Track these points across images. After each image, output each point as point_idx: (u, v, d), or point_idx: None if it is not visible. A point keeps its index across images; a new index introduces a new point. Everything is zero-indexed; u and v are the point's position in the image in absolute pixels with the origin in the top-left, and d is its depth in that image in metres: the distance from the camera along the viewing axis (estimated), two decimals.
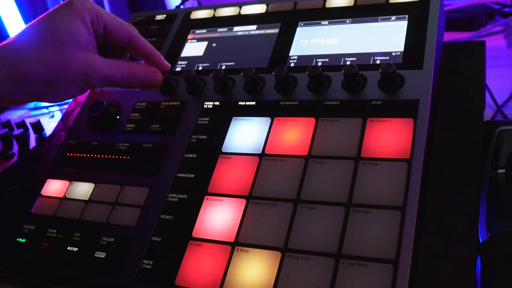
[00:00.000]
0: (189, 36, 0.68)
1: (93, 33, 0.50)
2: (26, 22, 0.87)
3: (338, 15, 0.60)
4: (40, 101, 0.51)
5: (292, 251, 0.44)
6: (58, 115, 1.03)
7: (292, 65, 0.58)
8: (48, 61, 0.47)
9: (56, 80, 0.48)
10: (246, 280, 0.44)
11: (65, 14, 0.48)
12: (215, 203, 0.50)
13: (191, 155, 0.55)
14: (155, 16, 0.72)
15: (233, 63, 0.62)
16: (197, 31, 0.68)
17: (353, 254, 0.42)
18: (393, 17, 0.57)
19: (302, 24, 0.61)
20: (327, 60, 0.57)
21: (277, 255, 0.44)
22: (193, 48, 0.66)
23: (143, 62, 0.56)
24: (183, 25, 0.69)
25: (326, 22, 0.60)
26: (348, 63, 0.55)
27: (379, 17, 0.58)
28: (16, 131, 0.73)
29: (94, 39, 0.50)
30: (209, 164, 0.53)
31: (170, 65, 0.57)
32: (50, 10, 0.49)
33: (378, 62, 0.54)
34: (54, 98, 0.49)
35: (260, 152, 0.52)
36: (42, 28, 0.47)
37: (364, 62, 0.55)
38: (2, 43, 0.47)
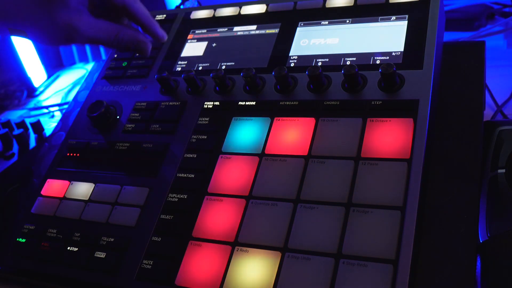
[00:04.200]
0: (189, 36, 0.68)
1: None
2: None
3: (338, 15, 0.60)
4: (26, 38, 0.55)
5: (292, 251, 0.44)
6: (58, 115, 1.03)
7: (292, 65, 0.58)
8: (34, 14, 0.50)
9: (40, 32, 0.51)
10: (246, 280, 0.44)
11: None
12: (215, 203, 0.50)
13: (191, 155, 0.55)
14: (155, 16, 0.72)
15: (233, 63, 0.62)
16: (197, 31, 0.68)
17: (353, 254, 0.42)
18: (393, 17, 0.57)
19: (302, 24, 0.61)
20: (327, 60, 0.57)
21: (277, 255, 0.44)
22: (193, 48, 0.66)
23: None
24: (183, 25, 0.69)
25: (326, 22, 0.60)
26: (348, 63, 0.55)
27: (379, 17, 0.58)
28: (16, 131, 0.73)
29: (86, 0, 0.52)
30: (209, 164, 0.53)
31: (165, 35, 0.58)
32: None
33: (378, 62, 0.54)
34: (39, 42, 0.54)
35: (260, 152, 0.52)
36: None
37: (364, 62, 0.55)
38: None
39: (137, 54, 0.65)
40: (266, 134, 0.53)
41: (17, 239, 0.57)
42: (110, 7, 0.54)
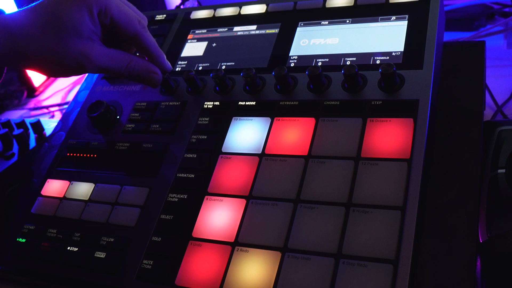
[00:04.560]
0: (189, 36, 0.68)
1: (99, 23, 0.51)
2: None
3: (338, 15, 0.60)
4: (33, 71, 0.53)
5: (292, 251, 0.44)
6: (58, 115, 1.03)
7: (292, 65, 0.58)
8: (46, 44, 0.49)
9: (51, 62, 0.50)
10: (246, 280, 0.44)
11: (73, 2, 0.49)
12: (215, 203, 0.50)
13: (191, 155, 0.55)
14: (155, 16, 0.72)
15: (233, 63, 0.62)
16: (197, 31, 0.68)
17: (353, 254, 0.42)
18: (393, 17, 0.57)
19: (302, 24, 0.61)
20: (327, 60, 0.57)
21: (277, 255, 0.44)
22: (193, 48, 0.66)
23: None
24: (183, 25, 0.69)
25: (326, 22, 0.60)
26: (348, 63, 0.55)
27: (379, 17, 0.58)
28: (16, 131, 0.73)
29: (99, 29, 0.52)
30: (209, 164, 0.53)
31: (171, 67, 0.58)
32: None
33: (378, 62, 0.54)
34: (47, 74, 0.53)
35: (260, 152, 0.52)
36: (48, 11, 0.49)
37: (364, 62, 0.55)
38: (11, 14, 0.50)
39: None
40: (266, 134, 0.53)
41: (17, 239, 0.57)
42: (122, 36, 0.54)
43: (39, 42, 0.49)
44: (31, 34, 0.49)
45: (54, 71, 0.52)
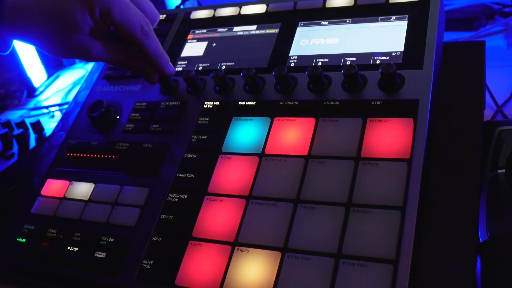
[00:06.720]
0: (189, 36, 0.68)
1: (101, 21, 0.52)
2: None
3: (338, 15, 0.60)
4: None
5: (292, 251, 0.44)
6: (58, 115, 1.03)
7: (292, 65, 0.58)
8: (49, 38, 0.52)
9: (52, 48, 0.53)
10: (246, 280, 0.44)
11: (76, 2, 0.50)
12: (215, 203, 0.50)
13: (191, 155, 0.55)
14: None
15: (233, 63, 0.62)
16: (197, 31, 0.68)
17: (353, 254, 0.42)
18: (393, 17, 0.57)
19: (302, 24, 0.61)
20: (327, 60, 0.57)
21: (277, 255, 0.44)
22: (193, 48, 0.66)
23: None
24: (183, 25, 0.69)
25: (326, 22, 0.60)
26: (348, 63, 0.55)
27: (379, 17, 0.58)
28: (16, 131, 0.73)
29: (102, 26, 0.53)
30: (209, 164, 0.53)
31: (174, 71, 0.58)
32: None
33: (378, 62, 0.54)
34: (49, 54, 0.55)
35: (260, 152, 0.52)
36: (52, 9, 0.50)
37: (364, 62, 0.55)
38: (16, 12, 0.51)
39: None
40: (266, 134, 0.53)
41: (17, 239, 0.57)
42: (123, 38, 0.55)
43: (42, 34, 0.51)
44: (33, 19, 0.50)
45: (55, 54, 0.54)
